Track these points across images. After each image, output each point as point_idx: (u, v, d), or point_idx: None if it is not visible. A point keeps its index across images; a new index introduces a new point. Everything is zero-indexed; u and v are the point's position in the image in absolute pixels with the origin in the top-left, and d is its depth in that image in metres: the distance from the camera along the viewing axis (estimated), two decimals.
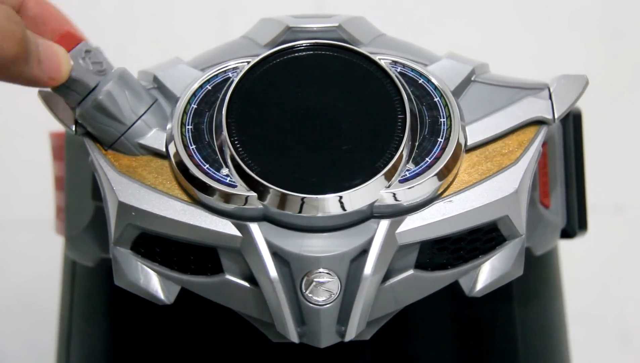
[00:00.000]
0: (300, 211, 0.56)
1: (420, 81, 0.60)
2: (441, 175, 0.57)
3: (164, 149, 0.58)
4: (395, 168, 0.56)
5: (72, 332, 0.69)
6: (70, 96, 0.58)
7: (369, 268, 0.56)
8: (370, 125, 0.57)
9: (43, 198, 0.95)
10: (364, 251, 0.56)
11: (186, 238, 0.57)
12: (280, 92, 0.58)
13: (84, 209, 0.66)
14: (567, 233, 0.69)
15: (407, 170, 0.57)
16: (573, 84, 0.61)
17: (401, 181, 0.57)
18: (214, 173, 0.57)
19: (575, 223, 0.69)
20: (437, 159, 0.57)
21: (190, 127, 0.58)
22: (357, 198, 0.56)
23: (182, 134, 0.58)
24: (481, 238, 0.59)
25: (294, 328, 0.57)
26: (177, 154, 0.58)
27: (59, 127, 0.65)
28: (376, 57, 0.59)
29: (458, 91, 0.60)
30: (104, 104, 0.58)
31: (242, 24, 0.66)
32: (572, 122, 0.69)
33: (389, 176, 0.56)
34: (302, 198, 0.56)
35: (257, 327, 0.59)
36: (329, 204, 0.56)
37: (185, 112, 0.59)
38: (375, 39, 0.63)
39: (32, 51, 0.54)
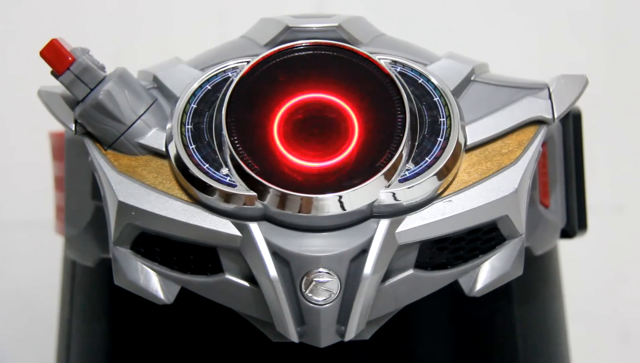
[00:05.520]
0: (300, 211, 0.56)
1: (420, 81, 0.60)
2: (441, 175, 0.57)
3: (163, 149, 0.58)
4: (395, 167, 0.57)
5: (72, 332, 0.69)
6: (78, 87, 0.58)
7: (368, 267, 0.56)
8: (370, 125, 0.57)
9: (43, 198, 0.96)
10: (363, 251, 0.56)
11: (186, 237, 0.57)
12: (280, 92, 0.58)
13: (83, 209, 0.66)
14: (567, 233, 0.69)
15: (407, 170, 0.57)
16: (573, 84, 0.61)
17: (401, 181, 0.57)
18: (214, 173, 0.57)
19: (575, 223, 0.69)
20: (436, 158, 0.57)
21: (190, 127, 0.58)
22: (356, 197, 0.56)
23: (182, 134, 0.58)
24: (481, 238, 0.59)
25: (293, 327, 0.57)
26: (176, 153, 0.58)
27: (58, 127, 0.65)
28: (376, 57, 0.59)
29: (458, 91, 0.60)
30: (104, 103, 0.58)
31: (242, 24, 0.66)
32: (572, 122, 0.69)
33: (388, 176, 0.56)
34: (302, 198, 0.56)
35: (257, 327, 0.59)
36: (329, 204, 0.56)
37: (185, 112, 0.59)
38: (375, 38, 0.63)
39: None
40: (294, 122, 0.57)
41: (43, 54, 0.58)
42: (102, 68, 0.59)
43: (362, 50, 0.59)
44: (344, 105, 0.58)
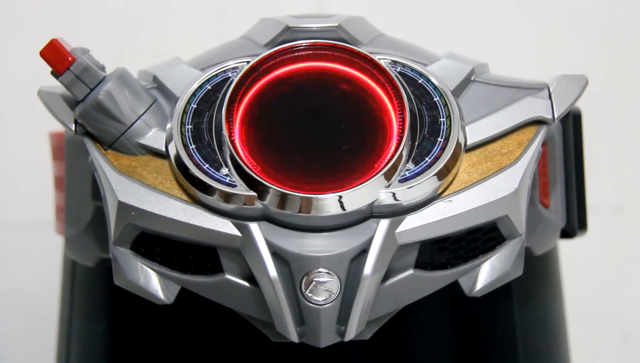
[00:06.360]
0: (300, 211, 0.56)
1: (419, 81, 0.60)
2: (441, 175, 0.57)
3: (163, 149, 0.58)
4: (395, 167, 0.56)
5: (72, 332, 0.69)
6: (78, 87, 0.58)
7: (368, 267, 0.56)
8: (370, 125, 0.57)
9: (43, 198, 0.96)
10: (363, 251, 0.56)
11: (186, 237, 0.57)
12: (280, 92, 0.58)
13: (83, 209, 0.66)
14: (567, 233, 0.69)
15: (407, 170, 0.57)
16: (573, 83, 0.61)
17: (401, 181, 0.57)
18: (214, 173, 0.57)
19: (575, 223, 0.69)
20: (436, 158, 0.57)
21: (190, 127, 0.58)
22: (356, 197, 0.56)
23: (182, 134, 0.58)
24: (481, 238, 0.59)
25: (293, 327, 0.57)
26: (176, 153, 0.58)
27: (58, 127, 0.65)
28: (376, 57, 0.59)
29: (458, 91, 0.60)
30: (104, 103, 0.58)
31: (242, 24, 0.66)
32: (572, 122, 0.69)
33: (388, 176, 0.56)
34: (302, 198, 0.56)
35: (257, 327, 0.59)
36: (329, 204, 0.56)
37: (185, 112, 0.59)
38: (375, 38, 0.63)
39: None
40: (293, 122, 0.57)
41: (43, 54, 0.58)
42: (102, 68, 0.59)
43: (362, 50, 0.59)
44: (344, 105, 0.58)
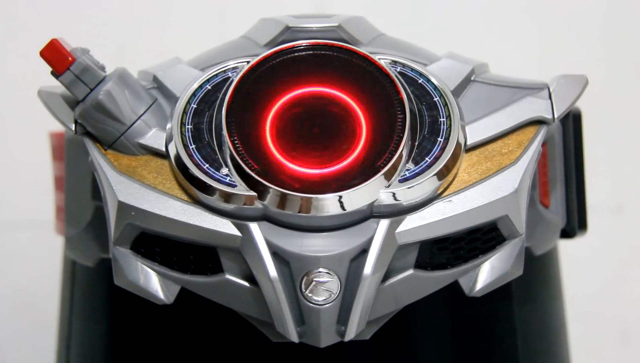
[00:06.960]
0: (300, 211, 0.56)
1: (419, 81, 0.60)
2: (441, 175, 0.57)
3: (163, 149, 0.58)
4: (395, 167, 0.57)
5: (72, 332, 0.69)
6: (78, 87, 0.58)
7: (368, 267, 0.56)
8: (369, 125, 0.57)
9: (43, 198, 0.96)
10: (363, 251, 0.56)
11: (186, 237, 0.57)
12: (280, 92, 0.58)
13: (83, 209, 0.66)
14: (567, 233, 0.69)
15: (407, 170, 0.57)
16: (573, 84, 0.61)
17: (401, 181, 0.57)
18: (214, 173, 0.57)
19: (575, 223, 0.69)
20: (436, 158, 0.57)
21: (190, 127, 0.58)
22: (356, 197, 0.56)
23: (182, 134, 0.58)
24: (481, 238, 0.59)
25: (293, 327, 0.57)
26: (176, 153, 0.58)
27: (58, 127, 0.65)
28: (376, 57, 0.59)
29: (458, 91, 0.60)
30: (104, 103, 0.58)
31: (242, 24, 0.66)
32: (572, 122, 0.69)
33: (388, 176, 0.56)
34: (302, 198, 0.56)
35: (257, 327, 0.59)
36: (329, 204, 0.56)
37: (185, 112, 0.59)
38: (375, 38, 0.63)
39: None
40: (292, 121, 0.57)
41: (43, 54, 0.58)
42: (102, 68, 0.59)
43: (362, 50, 0.59)
44: (350, 100, 0.58)
